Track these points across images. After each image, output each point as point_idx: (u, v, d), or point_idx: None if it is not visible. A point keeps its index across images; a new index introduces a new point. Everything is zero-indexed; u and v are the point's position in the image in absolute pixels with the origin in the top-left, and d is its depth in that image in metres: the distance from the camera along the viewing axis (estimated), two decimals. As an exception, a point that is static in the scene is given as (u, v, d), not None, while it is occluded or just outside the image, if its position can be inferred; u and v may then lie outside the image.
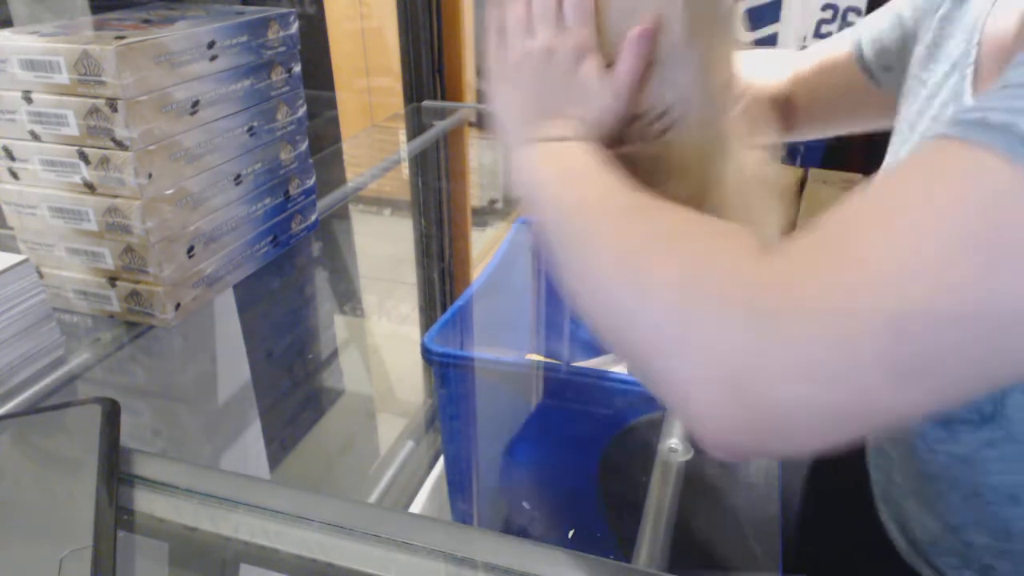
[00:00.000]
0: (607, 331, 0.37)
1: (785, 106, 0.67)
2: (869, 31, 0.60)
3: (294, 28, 0.76)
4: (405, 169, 1.27)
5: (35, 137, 0.61)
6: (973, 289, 0.27)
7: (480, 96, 1.36)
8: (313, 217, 0.86)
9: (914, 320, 0.28)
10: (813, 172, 2.11)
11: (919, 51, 0.53)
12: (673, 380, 0.32)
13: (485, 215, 2.22)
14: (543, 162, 0.45)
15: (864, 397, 0.29)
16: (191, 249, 0.67)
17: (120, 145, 0.59)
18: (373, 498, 1.18)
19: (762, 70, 0.68)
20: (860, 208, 0.31)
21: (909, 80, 0.53)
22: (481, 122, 1.32)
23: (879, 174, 0.36)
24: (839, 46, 0.63)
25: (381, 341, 1.44)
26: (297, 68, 0.78)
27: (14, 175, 0.64)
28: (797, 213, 2.13)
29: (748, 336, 0.30)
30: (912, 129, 0.50)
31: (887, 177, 0.32)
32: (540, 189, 0.44)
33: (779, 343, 0.29)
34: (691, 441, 0.52)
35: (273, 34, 0.73)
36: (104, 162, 0.60)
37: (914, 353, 0.28)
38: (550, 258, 0.42)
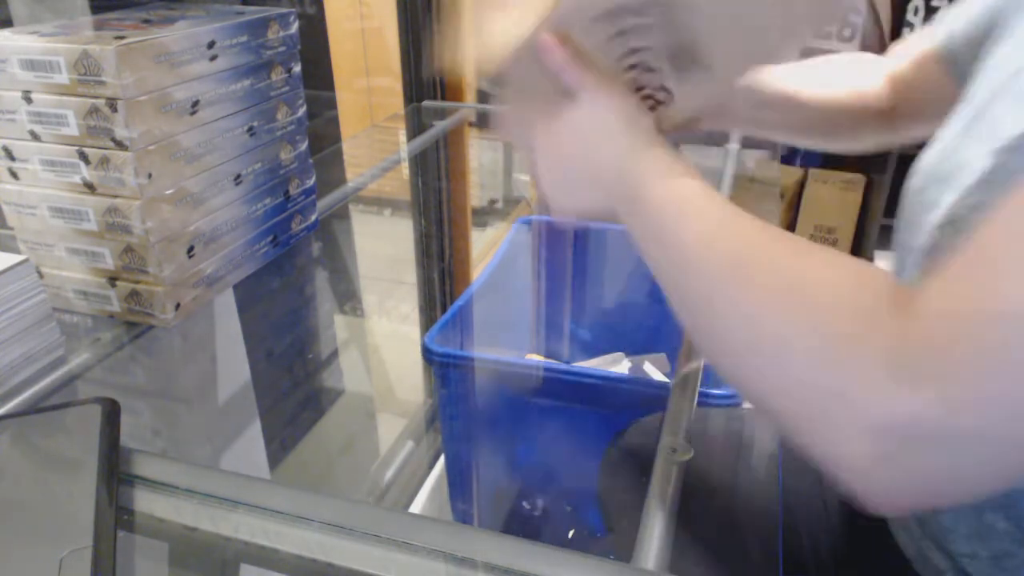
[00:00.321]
0: (746, 384, 0.37)
1: (886, 111, 0.66)
2: (952, 28, 0.56)
3: (294, 28, 0.76)
4: (405, 169, 1.27)
5: (35, 137, 0.61)
6: None
7: (480, 96, 1.36)
8: (313, 217, 0.86)
9: None
10: (813, 172, 2.11)
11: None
12: (826, 444, 0.33)
13: (485, 215, 2.22)
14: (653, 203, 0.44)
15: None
16: (191, 249, 0.67)
17: (120, 145, 0.59)
18: (373, 498, 1.18)
19: (853, 75, 0.67)
20: (981, 259, 0.31)
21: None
22: (481, 122, 1.32)
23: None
24: (930, 39, 0.60)
25: (381, 341, 1.44)
26: (297, 68, 0.78)
27: (14, 175, 0.64)
28: (797, 213, 2.13)
29: (902, 403, 0.30)
30: (970, 102, 0.48)
31: (996, 226, 0.31)
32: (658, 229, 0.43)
33: (937, 409, 0.29)
34: (691, 441, 0.52)
35: (273, 34, 0.73)
36: (104, 162, 0.60)
37: None
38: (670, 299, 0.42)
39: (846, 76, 0.68)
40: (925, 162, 0.49)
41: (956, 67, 0.56)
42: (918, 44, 0.62)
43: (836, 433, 0.32)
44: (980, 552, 0.49)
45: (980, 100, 0.46)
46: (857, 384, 0.31)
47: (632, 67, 0.50)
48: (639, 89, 0.52)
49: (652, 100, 0.52)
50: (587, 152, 0.48)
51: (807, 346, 0.33)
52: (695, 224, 0.41)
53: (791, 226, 2.13)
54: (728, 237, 0.40)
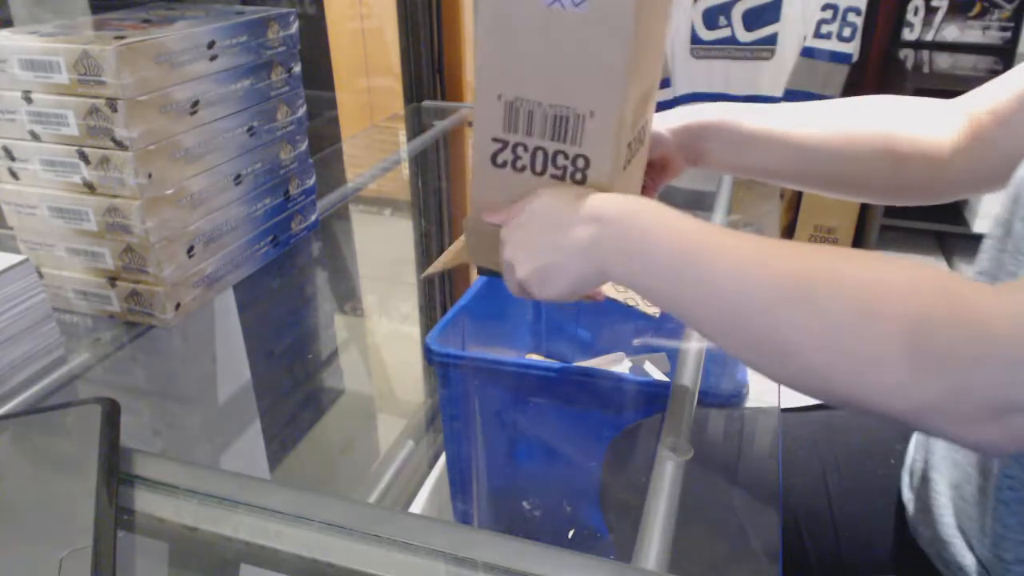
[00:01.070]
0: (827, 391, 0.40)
1: (946, 161, 0.59)
2: None
3: (294, 28, 0.76)
4: (405, 169, 1.27)
5: (35, 137, 0.61)
6: None
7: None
8: (313, 217, 0.86)
9: None
10: (813, 172, 2.11)
11: None
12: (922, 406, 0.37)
13: (485, 215, 2.21)
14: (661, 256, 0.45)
15: None
16: (191, 249, 0.67)
17: (120, 145, 0.59)
18: (373, 498, 1.18)
19: (902, 123, 0.60)
20: None
21: None
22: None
23: None
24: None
25: (381, 341, 1.44)
26: (297, 68, 0.78)
27: (14, 175, 0.64)
28: (797, 213, 2.13)
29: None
30: None
31: None
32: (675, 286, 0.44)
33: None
34: (691, 441, 0.52)
35: (273, 34, 0.73)
36: (104, 162, 0.60)
37: None
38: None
39: (883, 119, 0.61)
40: None
41: None
42: (1006, 82, 0.56)
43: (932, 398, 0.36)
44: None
45: None
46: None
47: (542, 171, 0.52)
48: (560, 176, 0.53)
49: (580, 175, 0.52)
50: (558, 229, 0.49)
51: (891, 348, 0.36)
52: (722, 261, 0.42)
53: (791, 226, 2.13)
54: (768, 263, 0.41)
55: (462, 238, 0.60)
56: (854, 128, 0.60)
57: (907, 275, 0.38)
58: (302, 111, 0.80)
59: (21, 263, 0.59)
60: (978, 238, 0.64)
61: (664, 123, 0.63)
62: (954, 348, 0.35)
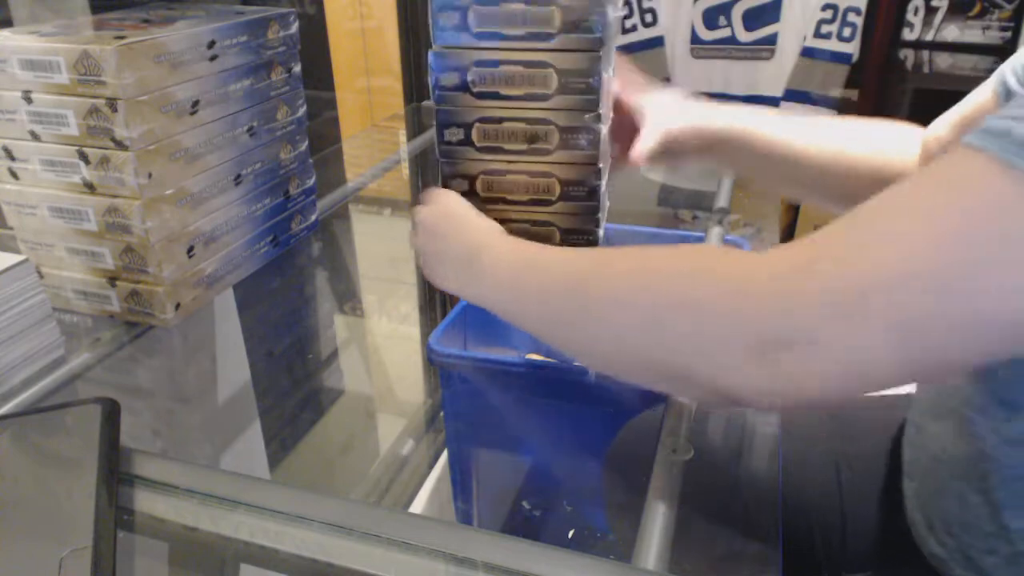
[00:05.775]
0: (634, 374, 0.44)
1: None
2: (1012, 64, 0.56)
3: (294, 28, 0.76)
4: (405, 169, 1.27)
5: (35, 137, 0.61)
6: (960, 289, 0.32)
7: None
8: (313, 217, 0.86)
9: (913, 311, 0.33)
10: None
11: None
12: (708, 358, 0.38)
13: (485, 215, 2.21)
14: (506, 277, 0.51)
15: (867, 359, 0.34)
16: (191, 249, 0.67)
17: (120, 145, 0.59)
18: (373, 498, 1.18)
19: (887, 145, 0.65)
20: (876, 206, 0.36)
21: None
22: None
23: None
24: (979, 96, 0.59)
25: (381, 341, 1.44)
26: (297, 68, 0.78)
27: (14, 175, 0.64)
28: (796, 213, 2.13)
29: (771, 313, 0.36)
30: None
31: (912, 178, 0.36)
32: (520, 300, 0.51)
33: (797, 318, 0.35)
34: (691, 441, 0.52)
35: (273, 34, 0.73)
36: (104, 162, 0.60)
37: (906, 323, 0.33)
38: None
39: (872, 140, 0.66)
40: None
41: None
42: (967, 104, 0.61)
43: (728, 359, 0.37)
44: (1000, 549, 0.49)
45: None
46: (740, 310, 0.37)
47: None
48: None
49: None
50: (448, 235, 0.57)
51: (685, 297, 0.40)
52: (537, 275, 0.49)
53: (791, 226, 2.13)
54: (568, 275, 0.47)
55: None
56: (847, 148, 0.65)
57: (673, 251, 0.44)
58: (302, 111, 0.80)
59: (21, 263, 0.59)
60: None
61: (670, 119, 0.65)
62: (713, 302, 0.38)
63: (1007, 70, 0.56)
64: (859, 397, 0.40)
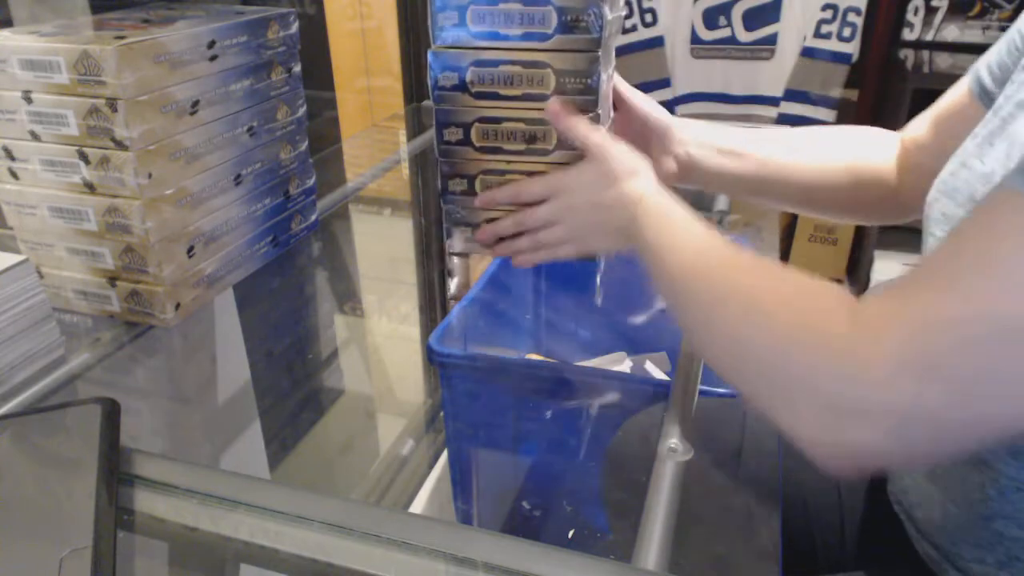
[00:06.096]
0: (732, 369, 0.45)
1: (893, 185, 0.66)
2: (986, 61, 0.56)
3: (294, 28, 0.76)
4: (405, 169, 1.27)
5: (35, 137, 0.61)
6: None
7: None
8: (313, 217, 0.86)
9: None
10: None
11: None
12: (786, 411, 0.40)
13: (485, 215, 2.21)
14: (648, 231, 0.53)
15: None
16: (191, 249, 0.67)
17: (120, 145, 0.59)
18: (373, 498, 1.18)
19: (863, 151, 0.67)
20: (932, 267, 0.37)
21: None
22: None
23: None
24: (954, 94, 0.60)
25: (381, 341, 1.44)
26: (297, 68, 0.78)
27: (14, 175, 0.64)
28: (796, 215, 2.12)
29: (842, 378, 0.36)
30: (996, 114, 0.49)
31: (955, 235, 0.37)
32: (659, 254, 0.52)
33: (867, 385, 0.36)
34: (692, 441, 0.52)
35: (273, 34, 0.73)
36: (104, 162, 0.60)
37: (966, 377, 0.34)
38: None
39: (848, 148, 0.68)
40: (940, 176, 0.50)
41: (988, 98, 0.55)
42: (942, 104, 0.62)
43: (798, 411, 0.39)
44: (987, 558, 0.49)
45: (1002, 116, 0.46)
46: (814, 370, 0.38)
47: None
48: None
49: None
50: (600, 206, 0.56)
51: (772, 342, 0.41)
52: (676, 257, 0.50)
53: (791, 226, 2.12)
54: (702, 268, 0.48)
55: None
56: (827, 157, 0.67)
57: (795, 290, 0.43)
58: (302, 111, 0.80)
59: (21, 263, 0.59)
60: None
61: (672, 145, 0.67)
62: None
63: (981, 68, 0.56)
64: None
